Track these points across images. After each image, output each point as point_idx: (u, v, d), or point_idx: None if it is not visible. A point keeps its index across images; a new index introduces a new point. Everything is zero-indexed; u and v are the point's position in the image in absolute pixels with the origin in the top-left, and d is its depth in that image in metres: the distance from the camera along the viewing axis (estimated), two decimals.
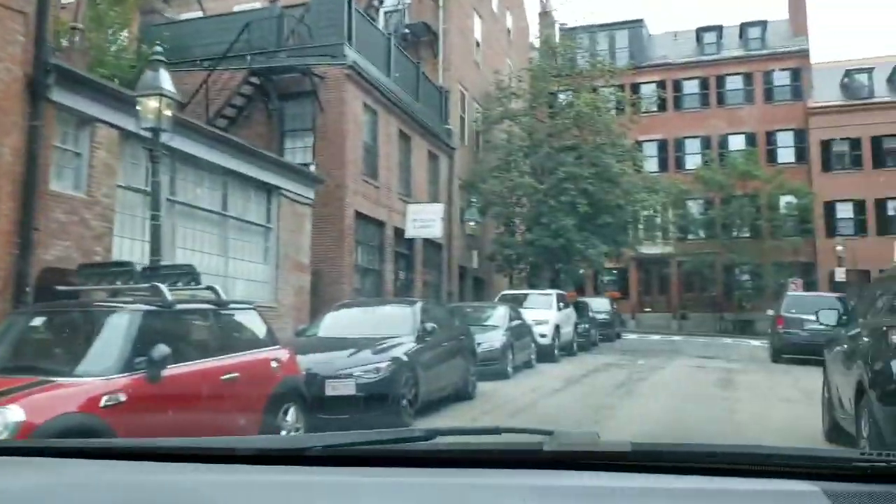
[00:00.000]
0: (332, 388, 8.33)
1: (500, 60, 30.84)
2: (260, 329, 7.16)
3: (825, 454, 1.67)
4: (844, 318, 7.82)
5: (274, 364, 6.92)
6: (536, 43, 34.36)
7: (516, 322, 16.34)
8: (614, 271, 44.16)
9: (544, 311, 19.37)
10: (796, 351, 19.72)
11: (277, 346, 7.19)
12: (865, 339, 5.73)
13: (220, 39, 18.19)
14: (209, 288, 6.74)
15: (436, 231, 20.58)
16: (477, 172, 26.78)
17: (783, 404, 11.23)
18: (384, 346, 9.19)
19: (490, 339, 14.58)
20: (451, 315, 12.58)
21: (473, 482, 1.42)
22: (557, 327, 19.33)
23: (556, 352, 18.99)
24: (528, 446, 1.53)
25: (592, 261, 24.97)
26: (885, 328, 5.35)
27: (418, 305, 10.57)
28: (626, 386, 13.44)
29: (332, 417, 7.66)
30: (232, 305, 7.60)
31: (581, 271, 27.48)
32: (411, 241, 21.45)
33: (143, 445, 1.81)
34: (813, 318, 20.06)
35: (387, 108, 20.64)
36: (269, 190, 14.83)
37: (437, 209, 20.79)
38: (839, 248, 28.74)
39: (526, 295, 21.22)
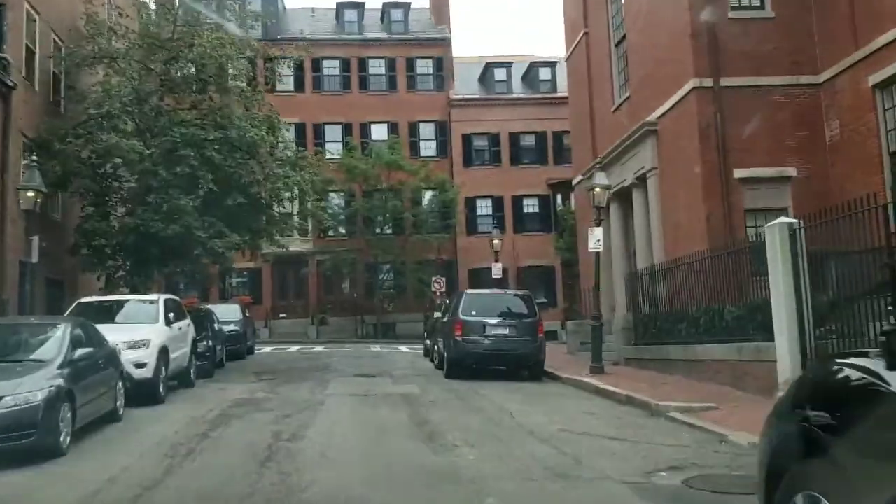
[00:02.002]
0: None
1: None
2: None
3: None
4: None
5: None
6: None
7: (87, 350, 9.56)
8: (245, 272, 38.30)
9: (145, 329, 12.84)
10: (478, 361, 15.88)
11: None
12: None
13: None
14: None
15: None
16: (55, 129, 18.85)
17: (564, 485, 6.42)
18: None
19: (19, 389, 7.79)
20: None
21: None
22: (165, 350, 12.89)
23: (161, 388, 12.51)
24: None
25: (219, 255, 18.68)
26: None
27: None
28: (275, 458, 7.70)
29: None
30: None
31: (202, 271, 20.94)
32: None
33: None
34: (496, 320, 16.39)
35: None
36: None
37: None
38: (496, 241, 26.29)
39: (118, 303, 14.34)
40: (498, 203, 38.91)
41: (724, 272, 13.36)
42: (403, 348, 28.05)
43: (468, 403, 12.22)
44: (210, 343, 17.56)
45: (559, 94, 39.58)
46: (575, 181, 24.51)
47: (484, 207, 39.12)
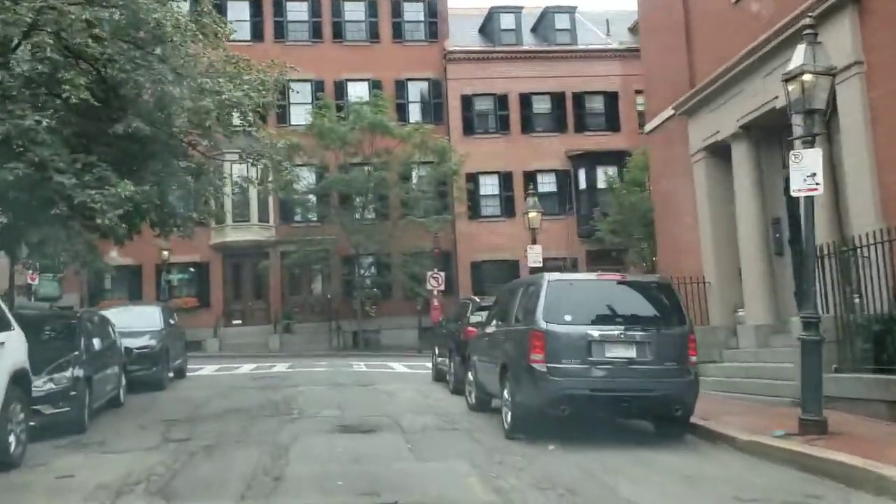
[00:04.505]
0: None
1: None
2: None
3: None
4: None
5: None
6: None
7: None
8: (192, 268, 30.55)
9: None
10: (579, 409, 8.39)
11: None
12: None
13: None
14: None
15: None
16: None
17: None
18: None
19: None
20: None
21: None
22: None
23: None
24: None
25: (103, 218, 10.78)
26: None
27: None
28: None
29: None
30: None
31: (77, 247, 12.73)
32: None
33: None
34: (611, 332, 8.34)
35: None
36: None
37: None
38: (533, 215, 18.63)
39: None
40: (506, 180, 31.39)
41: None
42: (399, 367, 20.39)
43: None
44: (78, 373, 9.79)
45: (580, 47, 32.39)
46: (651, 126, 17.03)
47: (489, 185, 31.58)
